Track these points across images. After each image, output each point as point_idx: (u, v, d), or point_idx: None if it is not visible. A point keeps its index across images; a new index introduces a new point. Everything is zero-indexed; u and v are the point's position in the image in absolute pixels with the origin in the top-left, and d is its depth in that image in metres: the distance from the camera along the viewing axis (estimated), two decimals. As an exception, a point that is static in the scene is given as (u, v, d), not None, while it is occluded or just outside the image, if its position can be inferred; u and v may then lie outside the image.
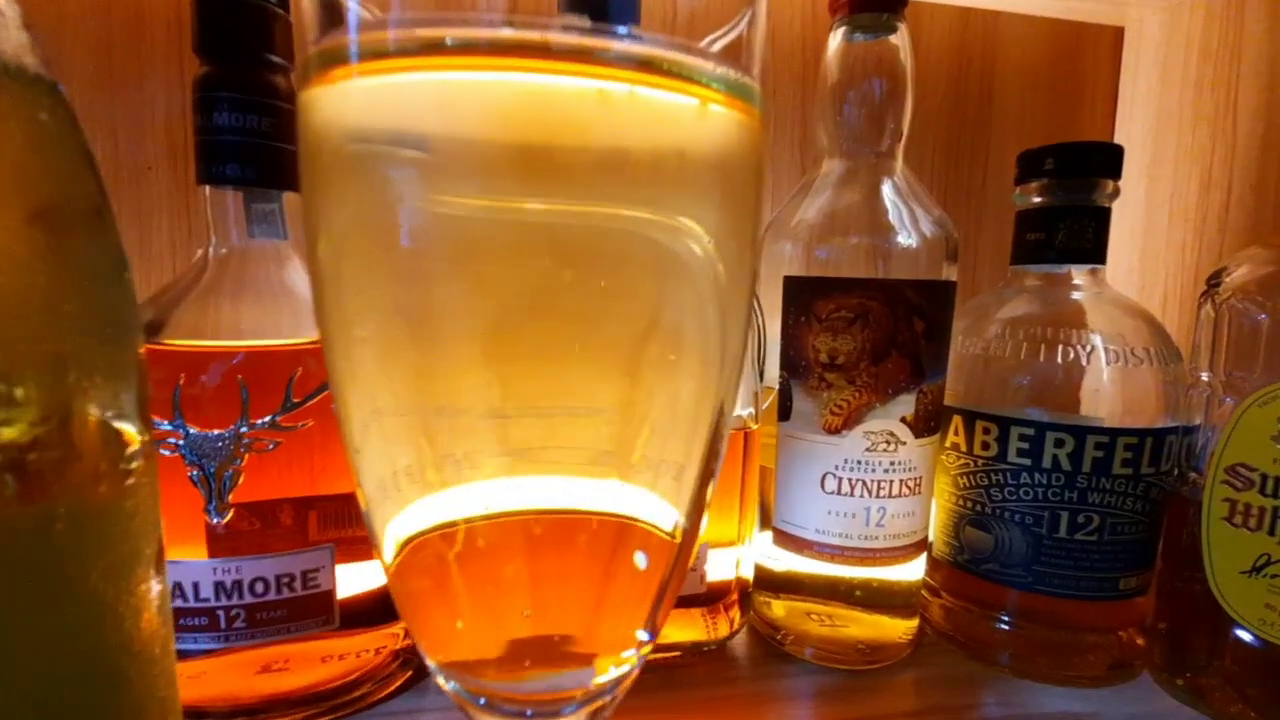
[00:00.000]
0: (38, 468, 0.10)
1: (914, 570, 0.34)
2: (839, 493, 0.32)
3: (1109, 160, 0.33)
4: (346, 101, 0.12)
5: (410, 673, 0.32)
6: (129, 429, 0.12)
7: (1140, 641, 0.33)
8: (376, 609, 0.30)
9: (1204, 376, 0.31)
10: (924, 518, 0.34)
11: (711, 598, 0.34)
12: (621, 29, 0.11)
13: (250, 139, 0.27)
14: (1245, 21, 0.42)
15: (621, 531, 0.14)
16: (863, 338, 0.31)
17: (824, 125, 0.34)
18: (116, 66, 0.38)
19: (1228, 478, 0.29)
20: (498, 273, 0.12)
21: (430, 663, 0.16)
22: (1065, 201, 0.33)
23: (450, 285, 0.12)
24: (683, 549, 0.15)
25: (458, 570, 0.14)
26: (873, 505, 0.32)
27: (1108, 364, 0.32)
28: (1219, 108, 0.43)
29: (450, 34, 0.10)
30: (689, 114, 0.12)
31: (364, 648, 0.30)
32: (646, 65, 0.11)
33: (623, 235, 0.12)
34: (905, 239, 0.32)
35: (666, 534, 0.15)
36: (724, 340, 0.14)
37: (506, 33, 0.11)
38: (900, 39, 0.32)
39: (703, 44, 0.12)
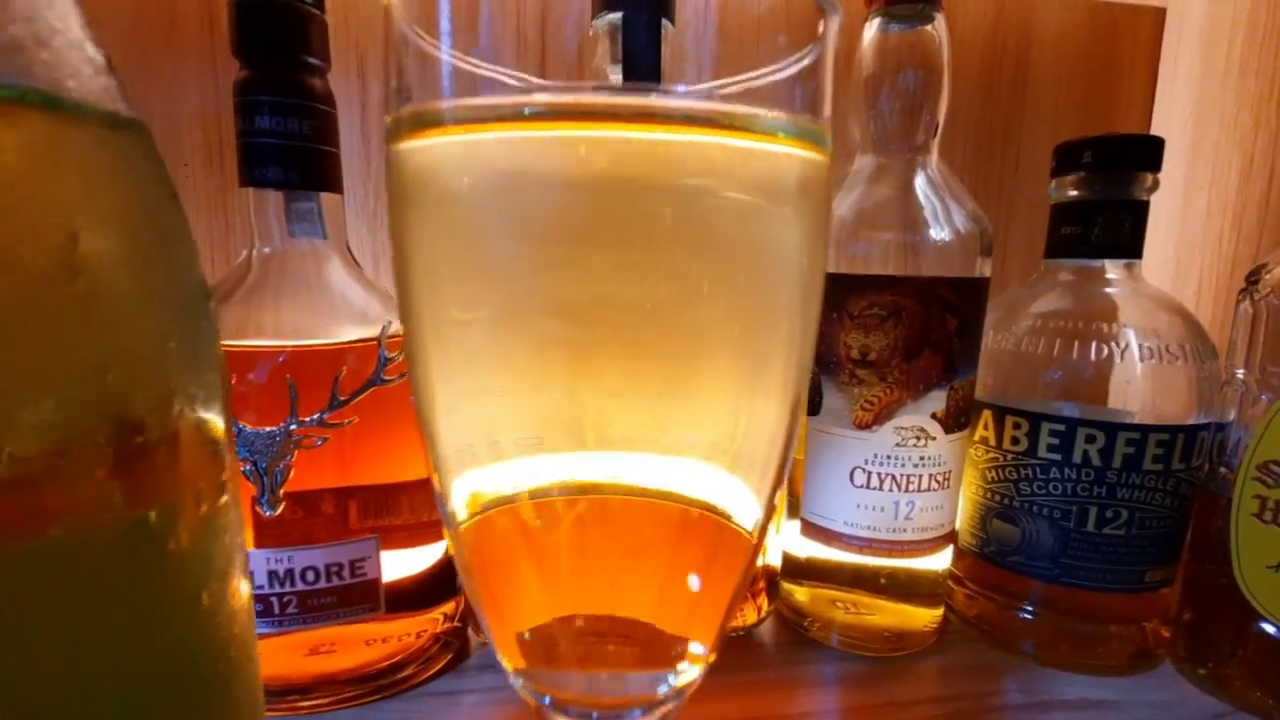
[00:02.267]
0: (157, 481, 0.10)
1: (940, 561, 0.35)
2: (868, 486, 0.32)
3: (1149, 153, 0.32)
4: (444, 154, 0.12)
5: (451, 655, 0.33)
6: (223, 441, 0.13)
7: (1164, 633, 0.34)
8: (419, 594, 0.32)
9: (1239, 374, 0.31)
10: (952, 511, 0.34)
11: (740, 585, 0.35)
12: (685, 89, 0.11)
13: (291, 142, 0.27)
14: (1294, 1, 0.40)
15: (705, 524, 0.15)
16: (895, 335, 0.31)
17: (857, 119, 0.33)
18: (150, 65, 0.38)
19: (1259, 475, 0.29)
20: (585, 307, 0.12)
21: (506, 666, 0.17)
22: (1102, 196, 0.33)
23: (543, 319, 0.12)
24: (755, 551, 0.16)
25: (530, 547, 0.15)
26: (901, 499, 0.32)
27: (1142, 360, 0.32)
28: (1263, 93, 0.42)
29: (536, 101, 0.11)
30: (766, 164, 0.12)
31: (406, 631, 0.32)
32: (714, 122, 0.11)
33: (712, 267, 0.13)
34: (939, 234, 0.31)
35: (747, 533, 0.15)
36: (804, 345, 0.15)
37: (583, 98, 0.11)
38: (938, 28, 0.32)
39: (777, 77, 0.13)
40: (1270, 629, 0.29)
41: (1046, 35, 0.47)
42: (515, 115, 0.11)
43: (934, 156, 0.33)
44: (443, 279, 0.13)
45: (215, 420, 0.12)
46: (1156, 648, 0.34)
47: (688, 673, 0.17)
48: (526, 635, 0.16)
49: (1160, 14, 0.48)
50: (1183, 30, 0.47)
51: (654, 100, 0.11)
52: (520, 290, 0.12)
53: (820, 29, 0.13)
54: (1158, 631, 0.34)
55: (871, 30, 0.32)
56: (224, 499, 0.12)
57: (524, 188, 0.12)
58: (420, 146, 0.12)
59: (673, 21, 0.30)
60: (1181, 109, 0.47)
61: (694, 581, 0.15)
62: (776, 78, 0.12)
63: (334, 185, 0.29)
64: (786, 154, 0.13)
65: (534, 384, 0.13)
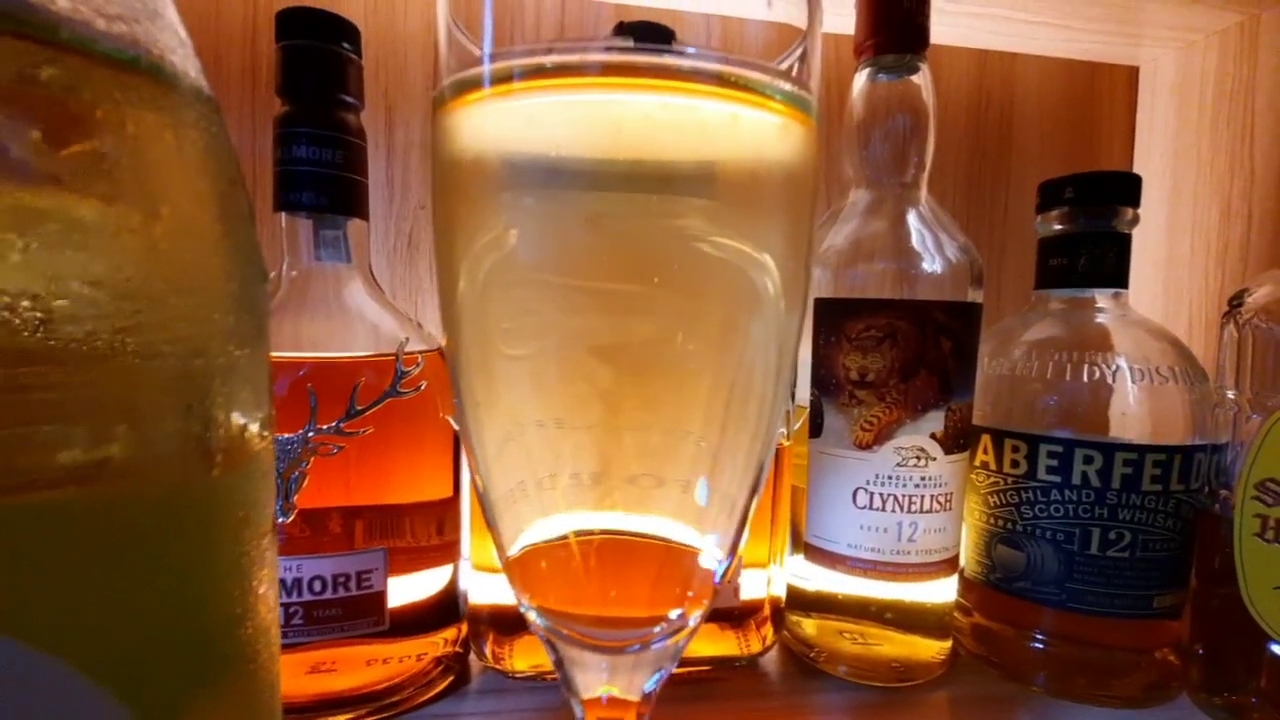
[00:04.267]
0: (200, 451, 0.11)
1: (946, 591, 0.34)
2: (871, 507, 0.33)
3: (1127, 189, 0.34)
4: (484, 117, 0.14)
5: (451, 678, 0.33)
6: (265, 417, 0.14)
7: (1176, 661, 0.33)
8: (421, 617, 0.32)
9: (1230, 395, 0.31)
10: (955, 535, 0.34)
11: (743, 615, 0.35)
12: (711, 53, 0.13)
13: (324, 170, 0.29)
14: (1259, 55, 0.43)
15: (672, 551, 0.16)
16: (892, 356, 0.32)
17: (850, 158, 0.36)
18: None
19: (1258, 493, 0.29)
20: (604, 284, 0.14)
21: (531, 609, 0.17)
22: (1087, 228, 0.34)
23: (564, 290, 0.14)
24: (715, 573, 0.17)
25: (554, 566, 0.16)
26: (904, 520, 0.32)
27: (1134, 383, 0.33)
28: (1236, 141, 0.44)
29: (555, 60, 0.12)
30: (762, 122, 0.14)
31: (407, 653, 0.31)
32: (728, 80, 0.13)
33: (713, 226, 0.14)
34: (930, 264, 0.33)
35: (710, 560, 0.17)
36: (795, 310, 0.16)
37: (607, 57, 0.13)
38: (922, 78, 0.34)
39: (775, 63, 0.15)
40: (1282, 652, 0.29)
41: (1029, 90, 0.51)
42: (539, 71, 0.13)
43: (924, 193, 0.35)
44: (476, 232, 0.15)
45: (260, 394, 0.13)
46: (1170, 679, 0.33)
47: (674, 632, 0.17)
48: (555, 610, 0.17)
49: (1134, 71, 0.52)
50: (1156, 85, 0.50)
51: (671, 59, 0.13)
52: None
53: (806, 25, 0.15)
54: (1170, 662, 0.33)
55: (861, 80, 0.35)
56: (263, 459, 0.13)
57: (545, 138, 0.13)
58: (463, 110, 0.14)
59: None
60: (1160, 157, 0.50)
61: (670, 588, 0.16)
62: (778, 65, 0.14)
63: (361, 212, 0.31)
64: (784, 120, 0.15)
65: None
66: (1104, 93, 0.51)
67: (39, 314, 0.08)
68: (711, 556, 0.17)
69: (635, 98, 0.13)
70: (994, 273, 0.51)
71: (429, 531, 0.32)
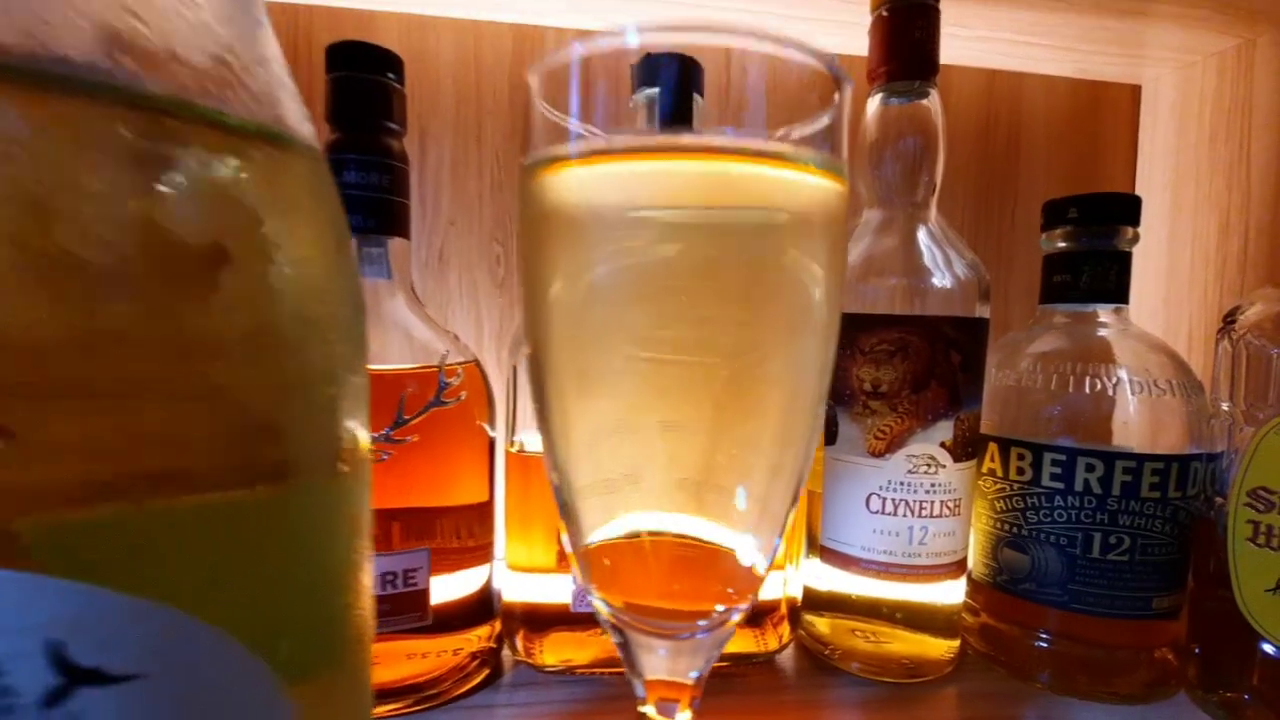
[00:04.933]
0: (334, 459, 0.13)
1: (954, 592, 0.36)
2: (883, 512, 0.34)
3: (1128, 209, 0.36)
4: (575, 181, 0.16)
5: (486, 671, 0.35)
6: (367, 428, 0.15)
7: (1174, 660, 0.35)
8: (459, 614, 0.34)
9: (1224, 407, 0.33)
10: (963, 538, 0.36)
11: (761, 614, 0.37)
12: (756, 134, 0.15)
13: (371, 193, 0.32)
14: (1255, 77, 0.45)
15: (723, 553, 0.18)
16: (904, 368, 0.34)
17: (863, 178, 0.37)
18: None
19: (1250, 500, 0.31)
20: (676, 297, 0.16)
21: (598, 599, 0.20)
22: (1089, 247, 0.36)
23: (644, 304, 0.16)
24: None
25: (624, 559, 0.18)
26: (915, 524, 0.34)
27: (1133, 395, 0.34)
28: (1233, 158, 0.46)
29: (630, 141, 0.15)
30: (805, 185, 0.16)
31: (446, 648, 0.33)
32: (773, 155, 0.15)
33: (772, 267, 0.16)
34: (940, 280, 0.35)
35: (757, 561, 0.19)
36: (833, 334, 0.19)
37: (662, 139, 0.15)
38: (932, 102, 0.36)
39: (808, 131, 0.17)
40: (1273, 650, 0.30)
41: (1035, 108, 0.52)
42: (621, 150, 0.15)
43: (933, 212, 0.37)
44: (560, 265, 0.17)
45: (364, 407, 0.15)
46: (1170, 677, 0.35)
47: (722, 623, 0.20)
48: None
49: (1137, 90, 0.53)
50: (1158, 103, 0.52)
51: (722, 140, 0.15)
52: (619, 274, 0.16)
53: (836, 99, 0.17)
54: (1170, 660, 0.35)
55: (874, 104, 0.37)
56: (368, 451, 0.15)
57: (621, 195, 0.15)
58: (550, 178, 0.16)
59: (702, 95, 0.34)
60: (1161, 174, 0.51)
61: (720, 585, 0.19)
62: (809, 130, 0.16)
63: (403, 231, 0.33)
64: (819, 183, 0.17)
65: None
66: (1108, 111, 0.53)
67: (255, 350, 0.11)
68: (758, 559, 0.19)
69: (688, 165, 0.15)
70: (1001, 283, 0.53)
71: (467, 533, 0.34)
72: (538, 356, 0.18)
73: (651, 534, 0.17)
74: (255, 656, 0.11)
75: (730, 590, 0.19)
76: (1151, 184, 0.52)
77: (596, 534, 0.18)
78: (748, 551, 0.18)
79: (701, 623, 0.19)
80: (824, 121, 0.16)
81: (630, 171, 0.15)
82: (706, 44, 0.16)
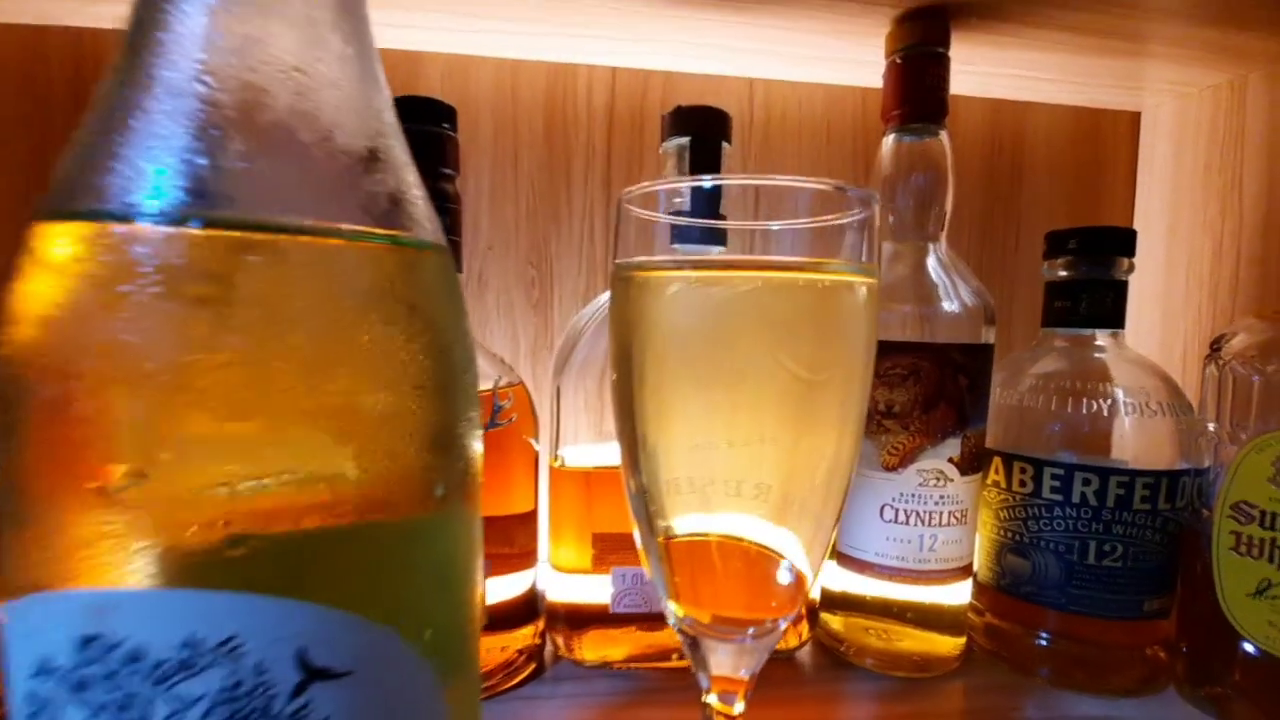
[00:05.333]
0: (470, 490, 0.17)
1: (961, 594, 0.39)
2: (896, 521, 0.38)
3: (1124, 242, 0.39)
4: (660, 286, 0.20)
5: (532, 666, 0.38)
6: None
7: (1164, 657, 0.38)
8: (508, 614, 0.37)
9: (1211, 426, 0.36)
10: (969, 545, 0.39)
11: (783, 612, 0.40)
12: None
13: (430, 233, 0.35)
14: (1247, 110, 0.47)
15: (778, 561, 0.22)
16: (915, 391, 0.37)
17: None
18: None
19: (1232, 513, 0.34)
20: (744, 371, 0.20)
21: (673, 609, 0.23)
22: (1087, 276, 0.39)
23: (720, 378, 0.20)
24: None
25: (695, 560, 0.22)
26: (925, 533, 0.37)
27: (1128, 414, 0.37)
28: (1226, 186, 0.48)
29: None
30: (849, 288, 0.20)
31: (495, 645, 0.37)
32: (813, 266, 0.19)
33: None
34: (949, 306, 0.38)
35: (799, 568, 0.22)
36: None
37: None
38: (943, 140, 0.39)
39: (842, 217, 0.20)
40: (1253, 650, 0.33)
41: (1038, 136, 0.55)
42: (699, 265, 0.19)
43: (943, 243, 0.39)
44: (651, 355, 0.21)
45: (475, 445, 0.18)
46: (1160, 673, 0.38)
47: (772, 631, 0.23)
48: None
49: (1137, 116, 0.56)
50: (1156, 130, 0.54)
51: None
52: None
53: (865, 212, 0.21)
54: (1160, 658, 0.38)
55: (888, 142, 0.40)
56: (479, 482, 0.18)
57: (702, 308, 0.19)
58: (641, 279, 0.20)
59: (729, 143, 0.37)
60: (1159, 199, 0.54)
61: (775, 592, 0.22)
62: (844, 221, 0.20)
63: (459, 267, 0.36)
64: (859, 279, 0.21)
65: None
66: (1109, 137, 0.56)
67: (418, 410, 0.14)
68: (809, 569, 0.23)
69: (746, 274, 0.19)
70: (1006, 303, 0.55)
71: (515, 540, 0.37)
72: (624, 387, 0.22)
73: (720, 535, 0.21)
74: (425, 659, 0.14)
75: (783, 595, 0.23)
76: (1150, 209, 0.55)
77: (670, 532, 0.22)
78: (805, 560, 0.22)
79: (751, 630, 0.22)
80: (858, 217, 0.20)
81: (684, 278, 0.20)
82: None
